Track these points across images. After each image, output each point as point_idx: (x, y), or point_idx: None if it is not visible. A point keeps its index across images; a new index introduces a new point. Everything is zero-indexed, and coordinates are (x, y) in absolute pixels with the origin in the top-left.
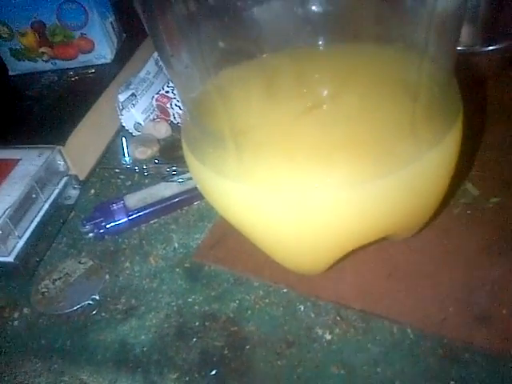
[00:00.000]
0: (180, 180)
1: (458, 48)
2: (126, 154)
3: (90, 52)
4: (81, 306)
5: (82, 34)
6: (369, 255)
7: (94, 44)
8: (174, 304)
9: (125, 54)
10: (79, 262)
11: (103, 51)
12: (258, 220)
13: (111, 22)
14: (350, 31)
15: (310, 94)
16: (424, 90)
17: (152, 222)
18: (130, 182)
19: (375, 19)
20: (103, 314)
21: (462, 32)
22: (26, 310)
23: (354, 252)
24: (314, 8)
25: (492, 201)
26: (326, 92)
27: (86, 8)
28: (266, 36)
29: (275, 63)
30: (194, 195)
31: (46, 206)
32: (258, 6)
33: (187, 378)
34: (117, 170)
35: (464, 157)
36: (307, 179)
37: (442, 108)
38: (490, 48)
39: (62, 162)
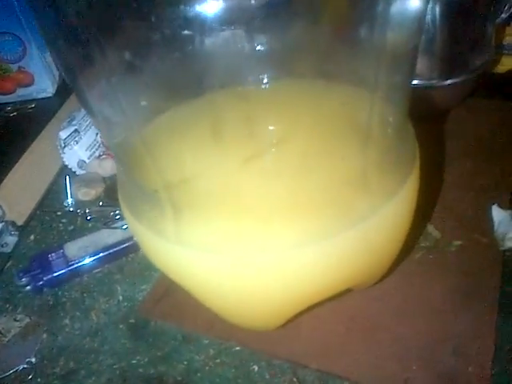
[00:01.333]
0: (124, 227)
1: (415, 82)
2: (69, 196)
3: (29, 86)
4: (15, 371)
5: (19, 67)
6: (325, 308)
7: (33, 77)
8: (116, 367)
9: (67, 86)
10: (15, 320)
11: (44, 85)
12: (201, 282)
13: None
14: (296, 67)
15: (253, 139)
16: (376, 134)
17: (95, 271)
18: (72, 227)
19: (323, 55)
20: (39, 380)
21: (418, 65)
22: None
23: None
24: (260, 44)
25: (454, 244)
26: (270, 139)
27: (24, 40)
28: (208, 74)
29: (212, 105)
30: None
31: None
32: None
33: None
34: (59, 214)
35: (425, 196)
36: (252, 241)
37: (396, 156)
38: (448, 82)
39: None
